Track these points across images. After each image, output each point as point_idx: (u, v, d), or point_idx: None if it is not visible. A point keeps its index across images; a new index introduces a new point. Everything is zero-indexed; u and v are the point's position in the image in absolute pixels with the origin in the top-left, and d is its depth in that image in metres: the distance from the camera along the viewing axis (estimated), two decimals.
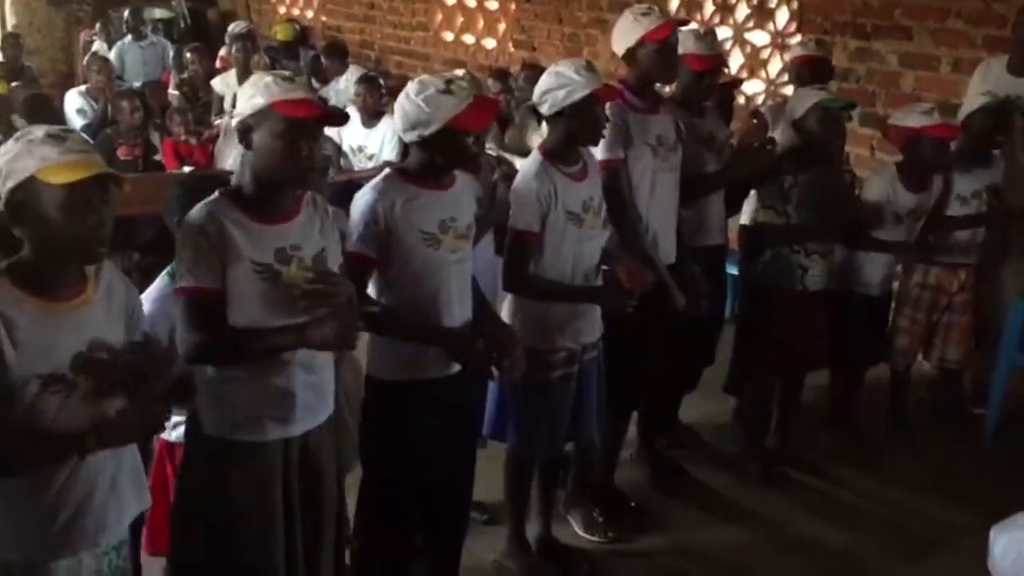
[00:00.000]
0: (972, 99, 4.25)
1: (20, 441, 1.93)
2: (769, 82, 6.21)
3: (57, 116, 6.31)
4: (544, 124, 3.49)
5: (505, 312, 3.07)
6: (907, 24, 5.28)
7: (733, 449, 4.15)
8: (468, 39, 8.49)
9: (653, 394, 3.79)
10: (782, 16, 6.10)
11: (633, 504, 3.74)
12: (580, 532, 3.57)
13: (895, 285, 4.26)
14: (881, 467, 4.10)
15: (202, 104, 6.93)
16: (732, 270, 4.23)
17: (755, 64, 6.32)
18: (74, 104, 6.68)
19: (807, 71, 4.44)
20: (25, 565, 2.01)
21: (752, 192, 3.88)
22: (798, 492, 3.93)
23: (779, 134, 3.91)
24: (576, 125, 2.97)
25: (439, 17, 8.73)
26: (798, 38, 5.59)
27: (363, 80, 6.20)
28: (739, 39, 6.38)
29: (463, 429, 2.85)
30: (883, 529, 3.69)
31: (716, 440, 4.26)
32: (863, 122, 5.39)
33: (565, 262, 3.03)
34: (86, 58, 7.74)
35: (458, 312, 2.70)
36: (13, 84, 6.98)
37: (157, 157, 6.08)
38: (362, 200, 2.60)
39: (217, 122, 6.37)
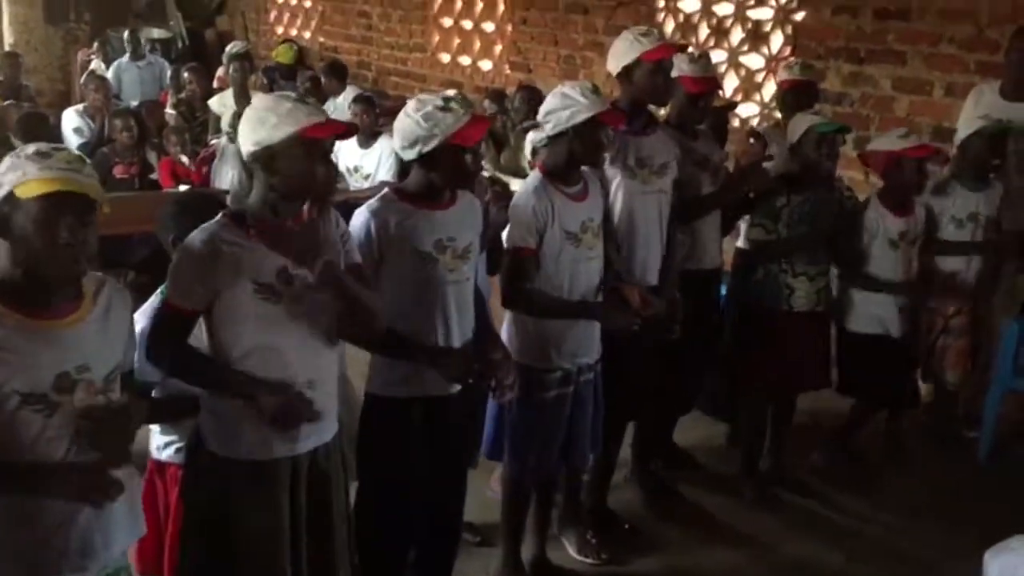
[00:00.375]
0: (968, 123, 4.28)
1: None
2: (763, 105, 6.25)
3: (53, 135, 6.31)
4: (530, 147, 3.53)
5: (503, 329, 3.07)
6: (900, 49, 5.33)
7: (727, 471, 4.14)
8: (465, 60, 8.54)
9: (648, 415, 3.78)
10: (776, 40, 6.15)
11: (627, 526, 3.73)
12: (573, 554, 3.56)
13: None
14: (876, 489, 4.10)
15: (199, 124, 6.95)
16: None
17: (750, 87, 6.36)
18: (71, 123, 6.68)
19: (791, 96, 4.44)
20: None
21: (748, 216, 3.90)
22: (792, 514, 3.92)
23: (775, 156, 3.93)
24: (578, 146, 3.00)
25: (436, 38, 8.79)
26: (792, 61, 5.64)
27: (359, 100, 6.20)
28: (734, 63, 6.43)
29: (455, 449, 2.85)
30: (877, 551, 3.68)
31: (710, 462, 4.25)
32: (857, 146, 5.42)
33: (562, 281, 3.04)
34: (83, 77, 7.75)
35: (457, 331, 2.71)
36: (7, 102, 6.98)
37: (153, 176, 6.08)
38: (358, 220, 2.62)
39: (214, 141, 6.38)
